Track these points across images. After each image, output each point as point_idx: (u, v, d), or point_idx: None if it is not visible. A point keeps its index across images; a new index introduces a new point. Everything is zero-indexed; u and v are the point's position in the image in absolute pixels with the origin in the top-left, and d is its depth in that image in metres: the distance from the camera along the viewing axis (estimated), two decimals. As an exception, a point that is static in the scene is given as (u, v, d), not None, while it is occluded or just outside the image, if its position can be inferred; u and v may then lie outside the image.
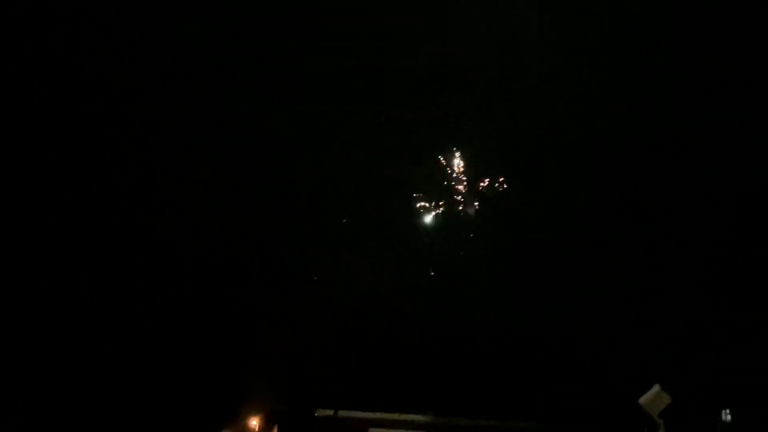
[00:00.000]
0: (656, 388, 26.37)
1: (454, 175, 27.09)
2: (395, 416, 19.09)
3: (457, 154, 27.20)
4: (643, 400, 25.06)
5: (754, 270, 25.44)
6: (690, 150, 25.41)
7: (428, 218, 27.18)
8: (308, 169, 26.96)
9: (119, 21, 25.13)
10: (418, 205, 27.10)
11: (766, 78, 23.31)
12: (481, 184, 27.00)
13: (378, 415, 19.07)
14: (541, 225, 26.73)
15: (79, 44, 24.67)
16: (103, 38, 24.90)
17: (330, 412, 18.70)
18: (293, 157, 26.86)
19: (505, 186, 26.86)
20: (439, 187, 27.24)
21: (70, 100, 25.14)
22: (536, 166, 26.57)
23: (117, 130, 25.73)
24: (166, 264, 25.46)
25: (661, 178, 25.95)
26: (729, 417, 31.38)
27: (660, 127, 25.37)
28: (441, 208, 26.87)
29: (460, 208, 27.21)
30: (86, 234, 25.06)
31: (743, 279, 25.50)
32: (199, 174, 26.06)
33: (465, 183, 26.98)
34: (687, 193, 25.64)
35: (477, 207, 27.21)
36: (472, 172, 27.06)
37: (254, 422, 26.99)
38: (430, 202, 26.88)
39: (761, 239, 25.45)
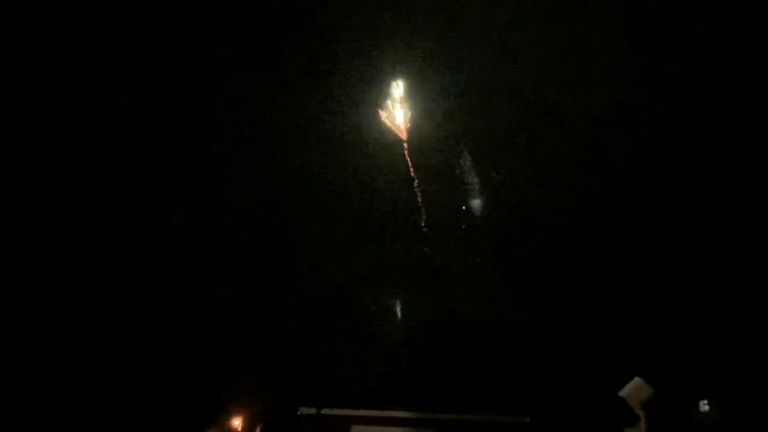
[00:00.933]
0: (637, 380, 26.62)
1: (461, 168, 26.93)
2: (378, 413, 19.07)
3: (463, 148, 27.03)
4: (624, 392, 25.35)
5: (733, 265, 25.84)
6: (683, 149, 25.68)
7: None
8: (294, 164, 26.83)
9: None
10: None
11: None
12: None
13: (361, 412, 19.03)
14: (527, 221, 26.86)
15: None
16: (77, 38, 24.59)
17: (313, 411, 18.63)
18: (280, 152, 26.70)
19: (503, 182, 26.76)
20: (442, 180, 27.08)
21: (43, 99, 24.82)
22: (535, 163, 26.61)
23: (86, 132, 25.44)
24: (146, 263, 25.23)
25: (646, 176, 26.24)
26: (707, 407, 31.94)
27: (655, 126, 25.62)
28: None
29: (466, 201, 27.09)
30: (64, 234, 24.76)
31: (722, 274, 25.89)
32: (179, 173, 25.86)
33: (471, 176, 26.83)
34: (672, 189, 25.94)
35: (482, 201, 27.11)
36: (478, 165, 26.90)
37: (237, 422, 26.83)
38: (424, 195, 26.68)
39: (740, 235, 25.84)
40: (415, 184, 26.58)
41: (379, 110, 25.59)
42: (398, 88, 26.72)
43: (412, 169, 26.32)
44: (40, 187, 24.78)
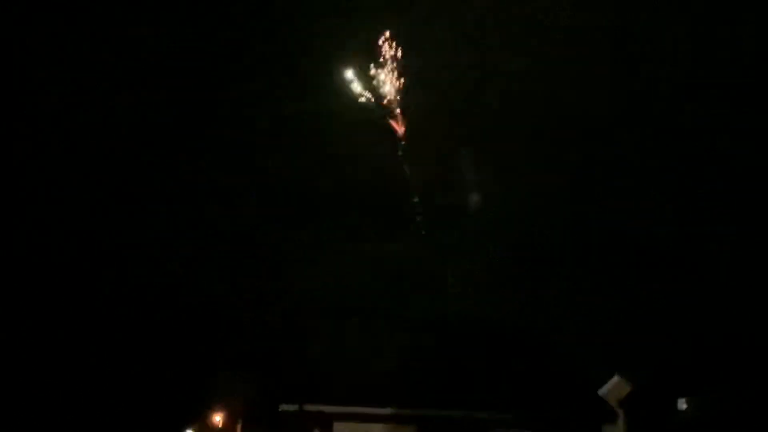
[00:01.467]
0: (616, 378, 26.86)
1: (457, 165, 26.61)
2: (359, 409, 19.09)
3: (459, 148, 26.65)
4: (604, 390, 25.55)
5: (711, 267, 26.16)
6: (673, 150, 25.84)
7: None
8: (288, 166, 26.71)
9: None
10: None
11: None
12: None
13: (342, 408, 19.04)
14: (508, 223, 26.95)
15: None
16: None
17: (295, 407, 18.60)
18: (275, 152, 26.60)
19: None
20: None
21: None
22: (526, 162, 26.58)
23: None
24: (129, 262, 25.10)
25: (632, 176, 26.43)
26: (684, 405, 32.33)
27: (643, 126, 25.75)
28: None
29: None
30: (49, 234, 24.58)
31: (700, 275, 26.20)
32: (169, 173, 25.76)
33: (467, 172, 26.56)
34: (656, 188, 26.15)
35: (478, 199, 26.86)
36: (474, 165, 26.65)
37: (218, 418, 26.73)
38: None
39: (717, 237, 26.17)
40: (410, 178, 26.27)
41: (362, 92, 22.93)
42: (387, 46, 22.28)
43: (408, 170, 26.00)
44: (30, 187, 24.59)
